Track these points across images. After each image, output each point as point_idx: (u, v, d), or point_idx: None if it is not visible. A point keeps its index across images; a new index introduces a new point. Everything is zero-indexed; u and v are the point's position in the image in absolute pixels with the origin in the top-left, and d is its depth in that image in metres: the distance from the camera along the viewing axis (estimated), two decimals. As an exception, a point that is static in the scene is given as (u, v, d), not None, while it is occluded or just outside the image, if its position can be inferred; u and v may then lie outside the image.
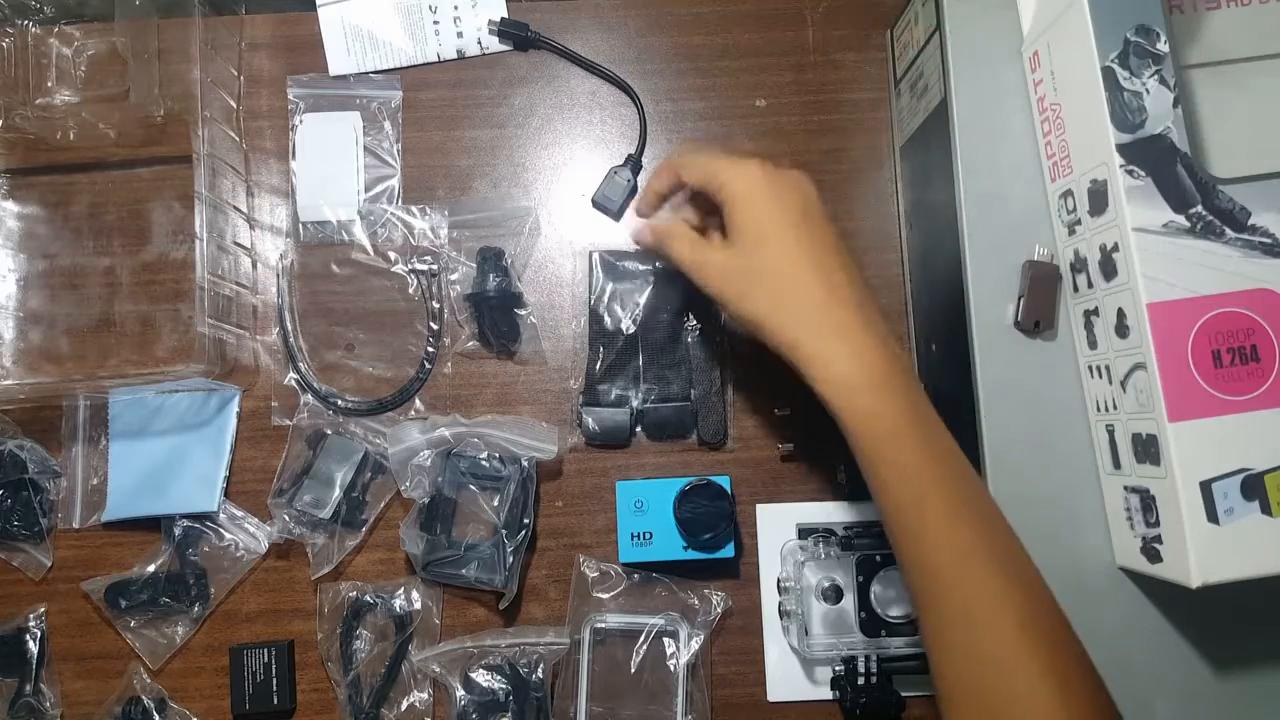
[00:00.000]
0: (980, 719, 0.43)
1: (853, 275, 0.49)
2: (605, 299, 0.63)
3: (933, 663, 0.45)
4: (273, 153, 0.65)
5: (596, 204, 0.64)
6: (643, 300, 0.62)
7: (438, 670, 0.59)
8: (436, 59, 0.65)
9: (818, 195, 0.50)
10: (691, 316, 0.62)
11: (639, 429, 0.62)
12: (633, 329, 0.62)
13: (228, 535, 0.62)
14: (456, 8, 0.65)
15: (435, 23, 0.65)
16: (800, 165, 0.64)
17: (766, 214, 0.49)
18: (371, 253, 0.64)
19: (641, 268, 0.63)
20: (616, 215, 0.64)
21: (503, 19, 0.64)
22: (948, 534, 0.44)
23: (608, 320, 0.62)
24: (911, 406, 0.46)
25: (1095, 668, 0.43)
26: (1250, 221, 0.45)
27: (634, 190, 0.64)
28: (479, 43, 0.65)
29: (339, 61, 0.65)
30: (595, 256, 0.63)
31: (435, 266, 0.63)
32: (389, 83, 0.65)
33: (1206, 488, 0.43)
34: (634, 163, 0.64)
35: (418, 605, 0.61)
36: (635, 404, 0.62)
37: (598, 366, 0.62)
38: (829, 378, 0.46)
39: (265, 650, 0.60)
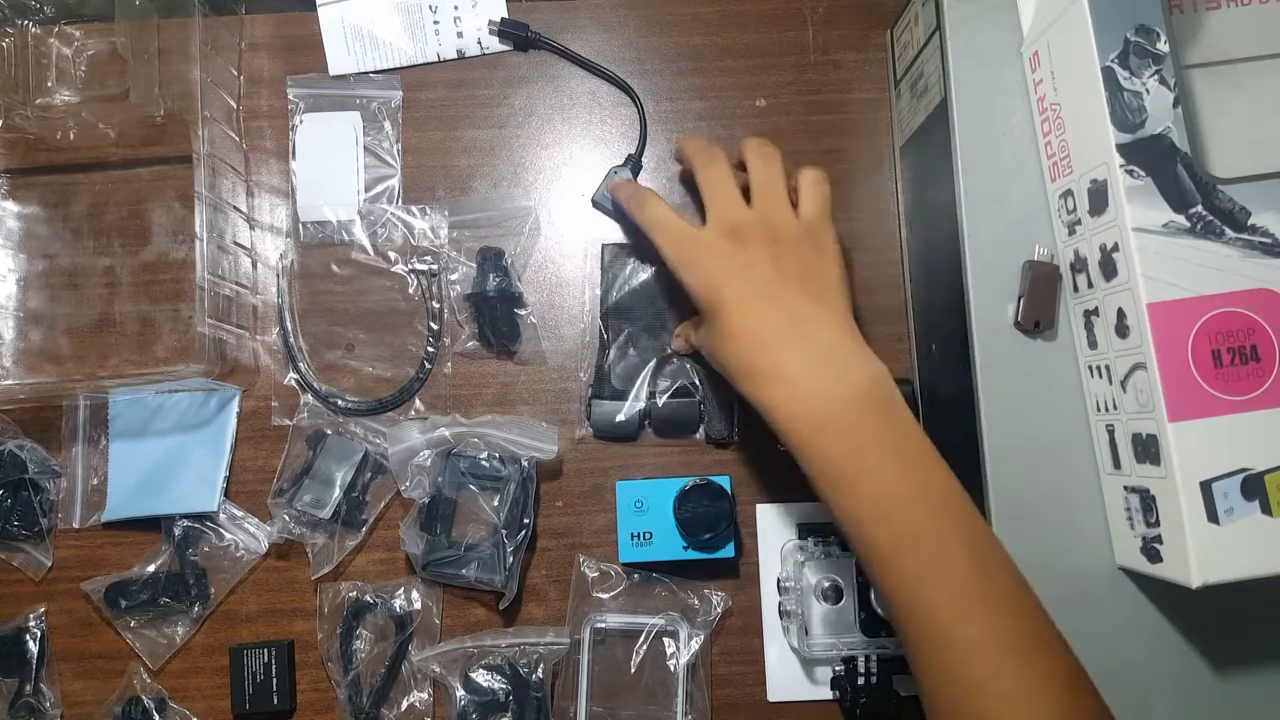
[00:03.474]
0: None
1: (828, 310, 0.48)
2: (615, 291, 0.63)
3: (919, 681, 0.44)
4: (273, 153, 0.65)
5: (596, 204, 0.64)
6: (652, 292, 0.62)
7: (438, 670, 0.59)
8: (437, 59, 0.65)
9: (772, 255, 0.49)
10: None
11: (647, 423, 0.62)
12: (641, 323, 0.62)
13: (228, 535, 0.62)
14: (456, 7, 0.65)
15: (435, 22, 0.65)
16: (796, 156, 0.64)
17: (714, 295, 0.49)
18: (371, 253, 0.64)
19: (650, 262, 0.63)
20: (616, 215, 0.64)
21: (503, 19, 0.64)
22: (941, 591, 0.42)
23: (617, 313, 0.62)
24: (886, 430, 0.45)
25: (1083, 670, 0.42)
26: (1250, 221, 0.45)
27: (634, 190, 0.64)
28: (479, 43, 0.65)
29: (339, 61, 0.65)
30: (605, 248, 0.63)
31: (435, 266, 0.63)
32: (389, 83, 0.65)
33: (1206, 488, 0.43)
34: (634, 163, 0.64)
35: (418, 605, 0.61)
36: (644, 397, 0.62)
37: (607, 359, 0.62)
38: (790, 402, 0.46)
39: (265, 650, 0.60)
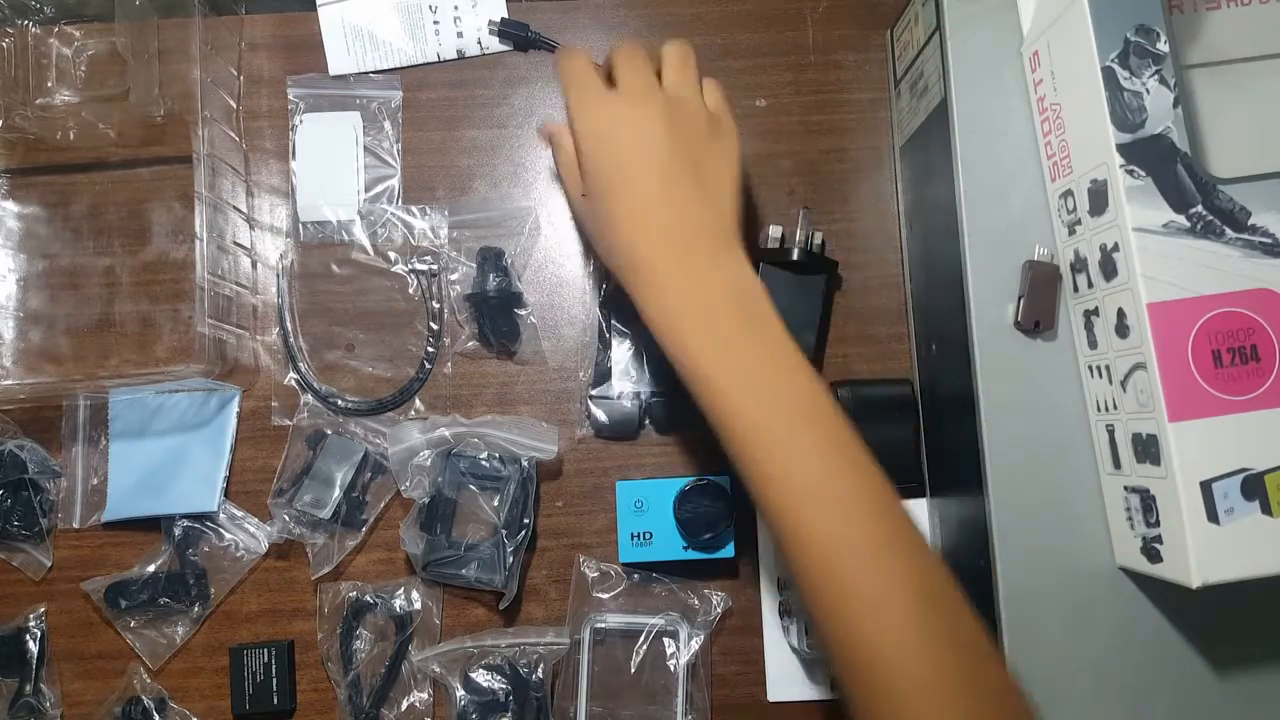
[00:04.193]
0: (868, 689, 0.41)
1: (713, 206, 0.49)
2: (615, 290, 0.63)
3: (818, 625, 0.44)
4: (273, 153, 0.65)
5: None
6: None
7: (438, 670, 0.59)
8: (437, 59, 0.65)
9: (665, 127, 0.49)
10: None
11: (648, 421, 0.62)
12: (641, 320, 0.62)
13: (228, 535, 0.62)
14: (456, 7, 0.65)
15: (435, 23, 0.65)
16: (796, 156, 0.64)
17: (611, 165, 0.49)
18: (371, 253, 0.64)
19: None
20: None
21: (503, 19, 0.64)
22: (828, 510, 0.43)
23: (616, 312, 0.62)
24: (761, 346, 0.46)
25: (937, 572, 0.42)
26: (1250, 221, 0.45)
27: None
28: (479, 43, 0.65)
29: (339, 61, 0.65)
30: None
31: (435, 266, 0.63)
32: (389, 83, 0.65)
33: (1207, 488, 0.43)
34: None
35: (418, 605, 0.61)
36: (644, 396, 0.62)
37: (607, 358, 0.62)
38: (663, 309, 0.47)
39: (265, 650, 0.60)
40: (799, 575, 0.43)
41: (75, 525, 0.62)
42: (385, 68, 0.65)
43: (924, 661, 0.39)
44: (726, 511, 0.58)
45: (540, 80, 0.65)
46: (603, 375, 0.62)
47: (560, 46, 0.64)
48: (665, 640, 0.60)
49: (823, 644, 0.43)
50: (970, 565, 0.53)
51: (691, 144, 0.49)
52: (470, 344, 0.63)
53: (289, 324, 0.63)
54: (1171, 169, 0.44)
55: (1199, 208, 0.45)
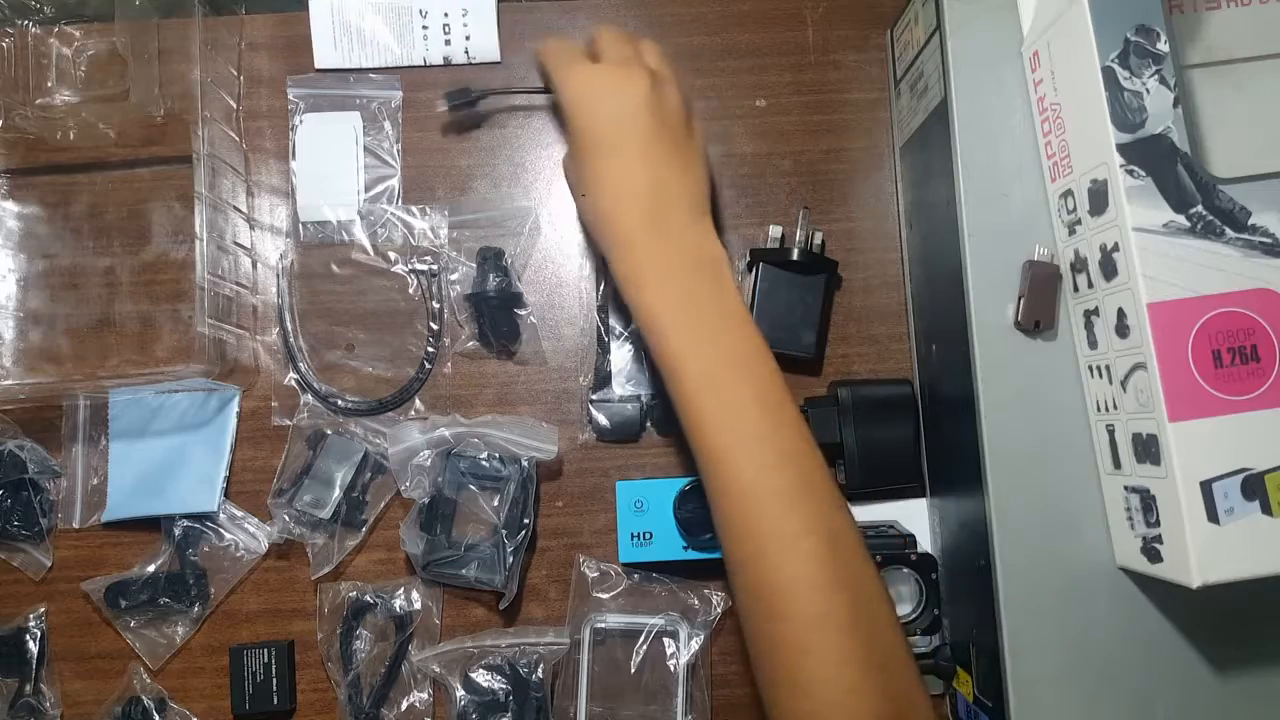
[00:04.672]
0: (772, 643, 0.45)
1: (686, 175, 0.52)
2: (612, 293, 0.63)
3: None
4: (273, 153, 0.65)
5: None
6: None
7: (438, 670, 0.59)
8: (423, 63, 0.65)
9: (650, 95, 0.51)
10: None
11: (649, 424, 0.62)
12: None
13: (228, 535, 0.62)
14: (446, 14, 0.65)
15: (424, 28, 0.65)
16: (796, 156, 0.64)
17: (595, 128, 0.52)
18: (371, 253, 0.64)
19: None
20: None
21: (447, 93, 0.62)
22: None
23: (615, 315, 0.62)
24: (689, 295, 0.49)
25: (848, 536, 0.46)
26: (1250, 221, 0.45)
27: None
28: (466, 53, 0.65)
29: (325, 55, 0.65)
30: None
31: (435, 266, 0.63)
32: (389, 83, 0.65)
33: (1207, 488, 0.43)
34: None
35: (418, 605, 0.61)
36: (645, 398, 0.62)
37: (607, 362, 0.62)
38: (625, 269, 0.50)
39: (265, 650, 0.60)
40: (723, 512, 0.47)
41: (75, 525, 0.62)
42: (370, 65, 0.65)
43: (824, 596, 0.44)
44: (726, 511, 0.58)
45: (541, 81, 0.65)
46: (603, 379, 0.62)
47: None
48: (665, 640, 0.60)
49: (731, 571, 0.47)
50: (970, 565, 0.53)
51: (669, 118, 0.52)
52: (470, 344, 0.63)
53: (289, 324, 0.63)
54: (1171, 169, 0.44)
55: (1199, 208, 0.45)
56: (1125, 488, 0.48)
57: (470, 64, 0.65)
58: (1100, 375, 0.49)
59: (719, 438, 0.47)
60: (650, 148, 0.51)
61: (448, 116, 0.64)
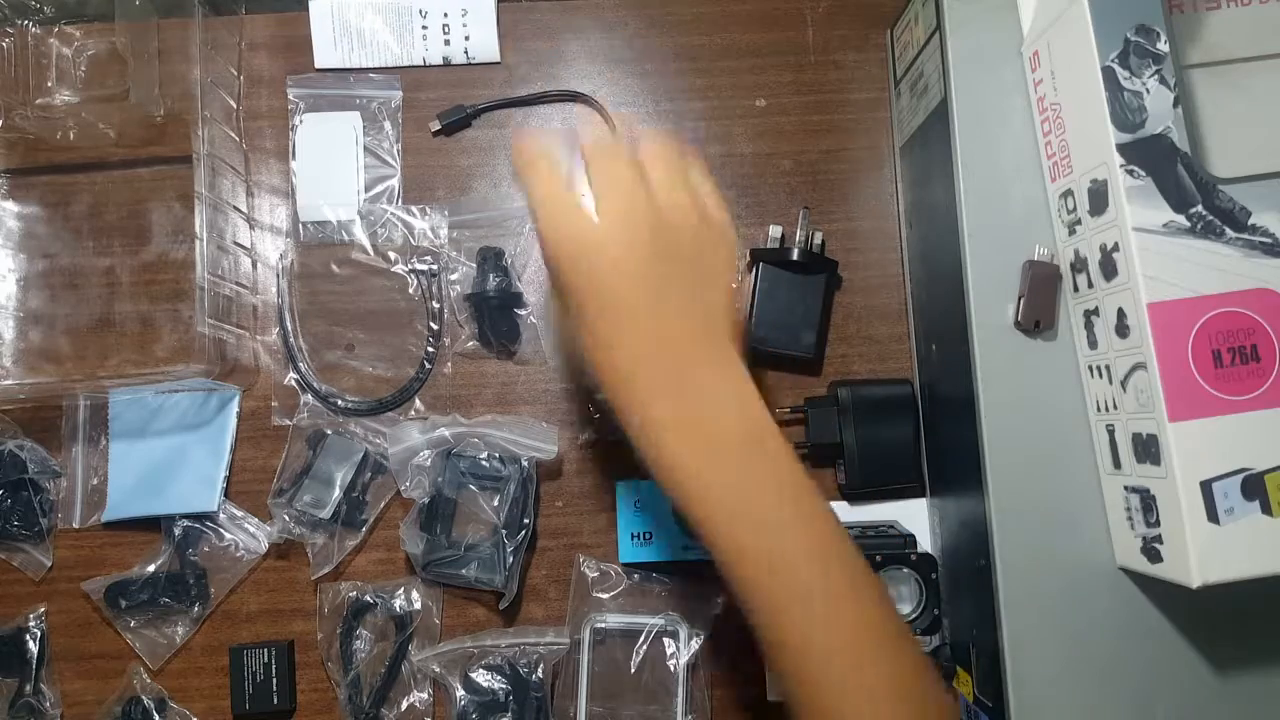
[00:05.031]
0: None
1: (703, 318, 0.44)
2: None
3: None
4: (273, 153, 0.65)
5: None
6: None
7: (438, 670, 0.59)
8: (423, 63, 0.65)
9: (653, 246, 0.43)
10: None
11: None
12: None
13: (228, 535, 0.62)
14: (446, 15, 0.65)
15: (424, 28, 0.65)
16: (796, 156, 0.64)
17: (588, 287, 0.43)
18: (371, 253, 0.64)
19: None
20: None
21: (441, 114, 0.64)
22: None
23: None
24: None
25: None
26: (1250, 221, 0.45)
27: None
28: (465, 53, 0.65)
29: (325, 54, 0.65)
30: None
31: (435, 266, 0.63)
32: (389, 83, 0.65)
33: (1207, 487, 0.43)
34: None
35: (418, 605, 0.61)
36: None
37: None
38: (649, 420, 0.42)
39: (265, 650, 0.60)
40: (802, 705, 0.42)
41: (75, 525, 0.62)
42: (370, 65, 0.65)
43: None
44: (726, 511, 0.58)
45: (540, 80, 0.65)
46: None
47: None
48: (665, 640, 0.60)
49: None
50: (970, 565, 0.53)
51: (680, 252, 0.44)
52: (470, 344, 0.63)
53: (289, 324, 0.63)
54: (1171, 169, 0.44)
55: (1199, 207, 0.45)
56: (1125, 488, 0.48)
57: (470, 64, 0.65)
58: (1100, 375, 0.49)
59: (798, 658, 0.41)
60: (656, 294, 0.43)
61: (446, 120, 0.64)
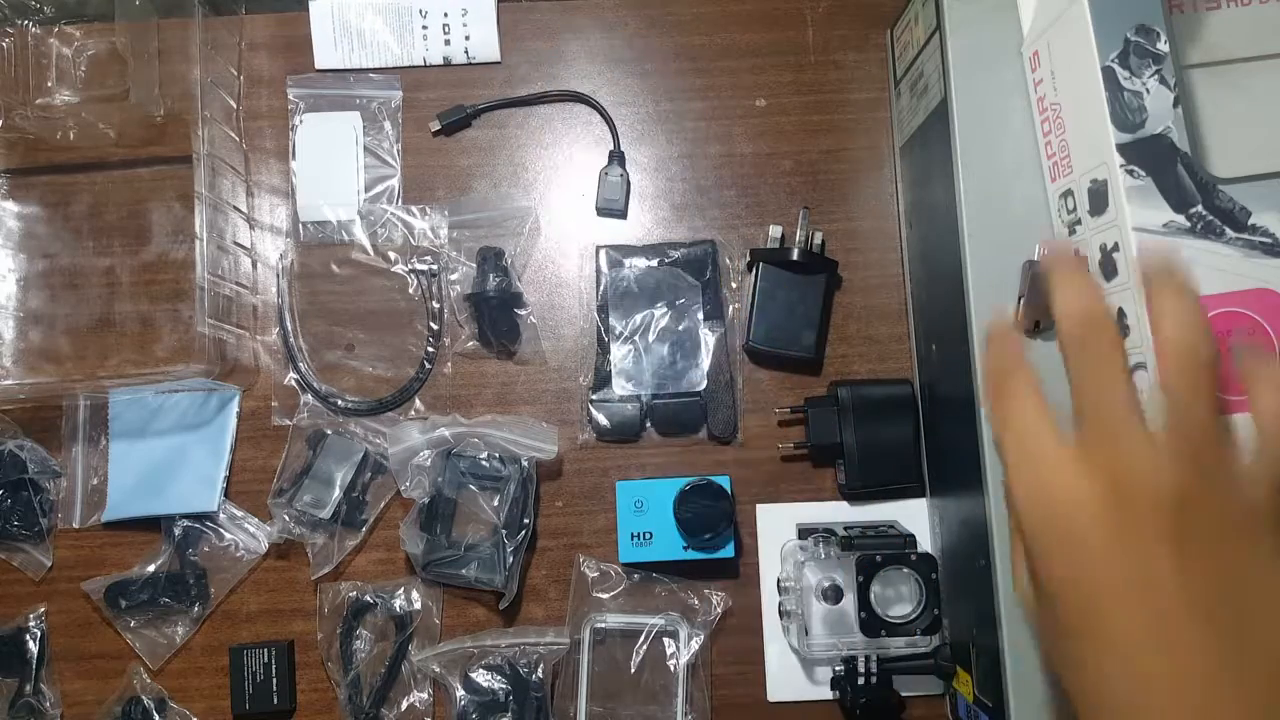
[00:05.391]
0: None
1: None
2: (611, 294, 0.63)
3: None
4: (273, 153, 0.65)
5: (602, 210, 0.64)
6: (649, 295, 0.62)
7: (438, 670, 0.59)
8: (423, 63, 0.65)
9: (1191, 567, 0.29)
10: (699, 310, 0.62)
11: (649, 424, 0.62)
12: (639, 324, 0.62)
13: (228, 535, 0.62)
14: (446, 15, 0.65)
15: (424, 28, 0.65)
16: (796, 156, 0.64)
17: (1077, 607, 0.31)
18: (371, 253, 0.64)
19: (647, 263, 0.63)
20: (623, 214, 0.64)
21: (440, 114, 0.64)
22: None
23: (615, 315, 0.62)
24: None
25: None
26: (1250, 221, 0.45)
27: (629, 183, 0.64)
28: (466, 52, 0.65)
29: (325, 55, 0.65)
30: (601, 252, 0.63)
31: (435, 266, 0.63)
32: (389, 83, 0.65)
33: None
34: (618, 157, 0.64)
35: (418, 605, 0.61)
36: (645, 398, 0.62)
37: (607, 361, 0.62)
38: None
39: (265, 650, 0.60)
40: None
41: (75, 525, 0.62)
42: (371, 66, 0.65)
43: None
44: (726, 511, 0.58)
45: (540, 80, 0.65)
46: (603, 379, 0.62)
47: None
48: (665, 640, 0.60)
49: None
50: (970, 565, 0.53)
51: (1220, 556, 0.29)
52: (470, 344, 0.63)
53: (289, 324, 0.63)
54: (1171, 169, 0.44)
55: (1199, 207, 0.45)
56: (1125, 488, 0.48)
57: (470, 63, 0.65)
58: (1100, 375, 0.49)
59: None
60: (1175, 623, 0.29)
61: (446, 120, 0.64)
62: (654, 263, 0.63)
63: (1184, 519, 0.30)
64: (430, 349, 0.63)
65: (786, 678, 0.61)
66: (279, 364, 0.63)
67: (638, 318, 0.62)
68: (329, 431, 0.61)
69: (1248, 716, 0.28)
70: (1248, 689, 0.28)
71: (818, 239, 0.62)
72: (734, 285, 0.63)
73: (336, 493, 0.60)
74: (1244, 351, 0.34)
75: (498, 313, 0.62)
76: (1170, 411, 0.31)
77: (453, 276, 0.63)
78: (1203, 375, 0.31)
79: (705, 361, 0.62)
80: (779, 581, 0.60)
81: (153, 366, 0.62)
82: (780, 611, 0.60)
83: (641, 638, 0.59)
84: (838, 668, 0.59)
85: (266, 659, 0.60)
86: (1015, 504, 0.34)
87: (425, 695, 0.60)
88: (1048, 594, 0.33)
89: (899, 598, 0.57)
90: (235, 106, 0.65)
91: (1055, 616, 0.32)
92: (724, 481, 0.58)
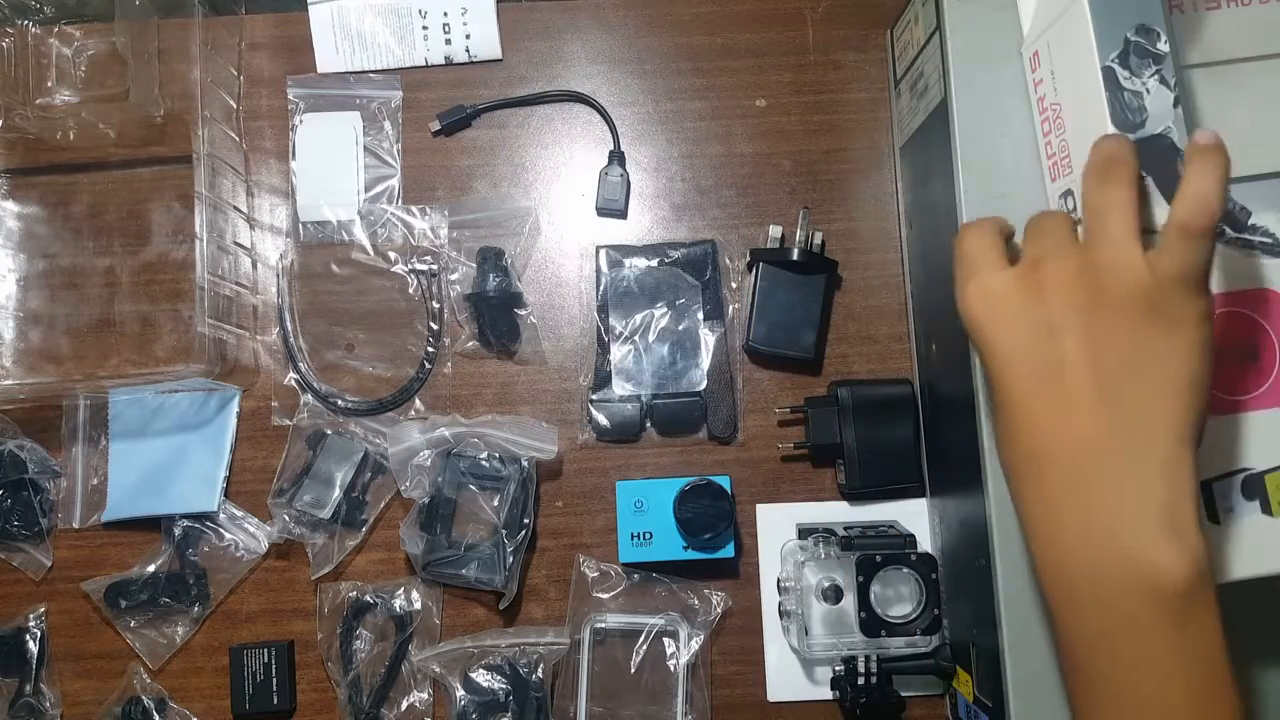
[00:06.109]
0: None
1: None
2: (611, 294, 0.63)
3: None
4: (273, 153, 0.65)
5: (602, 210, 0.64)
6: (649, 295, 0.62)
7: (438, 670, 0.59)
8: (424, 63, 0.65)
9: (1083, 325, 0.35)
10: (699, 310, 0.62)
11: (649, 424, 0.62)
12: (639, 324, 0.62)
13: (228, 535, 0.62)
14: (446, 14, 0.65)
15: (424, 28, 0.65)
16: (796, 156, 0.64)
17: (992, 370, 0.37)
18: (371, 253, 0.64)
19: (647, 263, 0.63)
20: (624, 214, 0.64)
21: (440, 114, 0.64)
22: None
23: (615, 315, 0.62)
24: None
25: None
26: (1250, 221, 0.45)
27: (629, 183, 0.64)
28: (467, 51, 0.65)
29: (327, 58, 0.65)
30: (601, 252, 0.63)
31: (435, 266, 0.63)
32: (389, 83, 0.65)
33: (1207, 487, 0.43)
34: (618, 157, 0.64)
35: (418, 605, 0.61)
36: (645, 398, 0.62)
37: (606, 361, 0.62)
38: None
39: (265, 650, 0.60)
40: None
41: (75, 525, 0.62)
42: (372, 68, 0.65)
43: None
44: (726, 511, 0.58)
45: (540, 81, 0.65)
46: (603, 379, 0.62)
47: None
48: (665, 640, 0.60)
49: None
50: (970, 565, 0.53)
51: (1116, 338, 0.35)
52: (470, 344, 0.63)
53: (289, 324, 0.63)
54: (1171, 169, 0.44)
55: (1199, 208, 0.45)
56: (1125, 488, 0.48)
57: (471, 62, 0.65)
58: (1100, 375, 0.49)
59: None
60: (1082, 386, 0.35)
61: (446, 120, 0.64)
62: (654, 263, 0.63)
63: (1079, 295, 0.36)
64: (430, 349, 0.63)
65: (786, 678, 0.61)
66: (279, 364, 0.63)
67: (638, 318, 0.62)
68: (329, 431, 0.62)
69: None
70: (1122, 437, 0.35)
71: (818, 239, 0.62)
72: (734, 285, 0.63)
73: (336, 493, 0.60)
74: (1197, 134, 0.38)
75: (498, 313, 0.62)
76: (1088, 221, 0.37)
77: (453, 276, 0.63)
78: (1116, 169, 0.37)
79: (705, 361, 0.62)
80: (779, 581, 0.60)
81: (153, 366, 0.62)
82: (780, 611, 0.60)
83: (641, 638, 0.59)
84: (838, 668, 0.59)
85: (266, 659, 0.60)
86: (962, 314, 0.39)
87: (425, 695, 0.60)
88: (992, 390, 0.39)
89: (899, 598, 0.57)
90: (235, 106, 0.65)
91: (994, 405, 0.38)
92: (724, 481, 0.58)
